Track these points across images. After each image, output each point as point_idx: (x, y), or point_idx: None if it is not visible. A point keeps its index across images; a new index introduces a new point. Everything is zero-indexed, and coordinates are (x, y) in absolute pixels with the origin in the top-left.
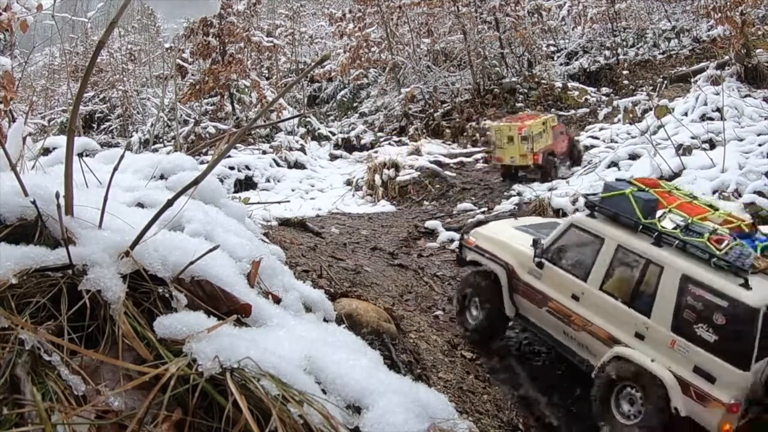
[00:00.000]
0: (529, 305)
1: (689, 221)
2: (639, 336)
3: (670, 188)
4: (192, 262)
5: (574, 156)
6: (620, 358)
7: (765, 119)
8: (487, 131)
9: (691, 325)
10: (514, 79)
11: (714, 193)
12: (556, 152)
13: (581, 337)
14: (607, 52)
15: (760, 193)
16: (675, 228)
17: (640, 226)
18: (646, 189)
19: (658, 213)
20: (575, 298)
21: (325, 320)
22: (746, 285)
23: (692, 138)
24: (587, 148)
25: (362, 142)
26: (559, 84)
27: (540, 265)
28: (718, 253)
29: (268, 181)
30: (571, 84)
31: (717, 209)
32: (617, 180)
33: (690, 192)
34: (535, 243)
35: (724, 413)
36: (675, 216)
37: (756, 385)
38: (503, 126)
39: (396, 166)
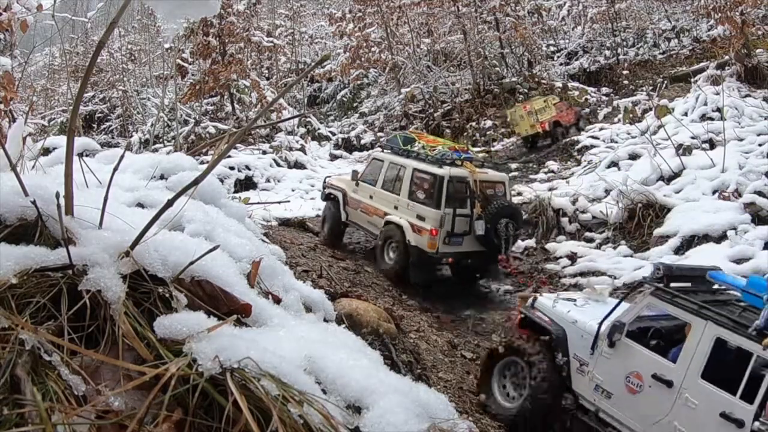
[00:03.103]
0: (353, 211)
1: (423, 145)
2: (395, 207)
3: (436, 141)
4: (192, 262)
5: (580, 125)
6: (387, 222)
7: (765, 119)
8: (507, 118)
9: (415, 193)
10: (514, 79)
11: (714, 192)
12: (561, 122)
13: (374, 220)
14: (607, 52)
15: (760, 193)
16: (416, 149)
17: (400, 150)
18: (409, 134)
19: (414, 145)
20: (371, 197)
21: (325, 320)
22: (440, 167)
23: (692, 138)
24: (587, 148)
25: (362, 142)
26: (559, 84)
27: (357, 185)
28: (430, 155)
29: (268, 181)
30: (571, 84)
31: (452, 144)
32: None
33: (455, 143)
34: (353, 173)
35: (429, 236)
36: (420, 144)
37: (448, 222)
38: (516, 108)
39: None
